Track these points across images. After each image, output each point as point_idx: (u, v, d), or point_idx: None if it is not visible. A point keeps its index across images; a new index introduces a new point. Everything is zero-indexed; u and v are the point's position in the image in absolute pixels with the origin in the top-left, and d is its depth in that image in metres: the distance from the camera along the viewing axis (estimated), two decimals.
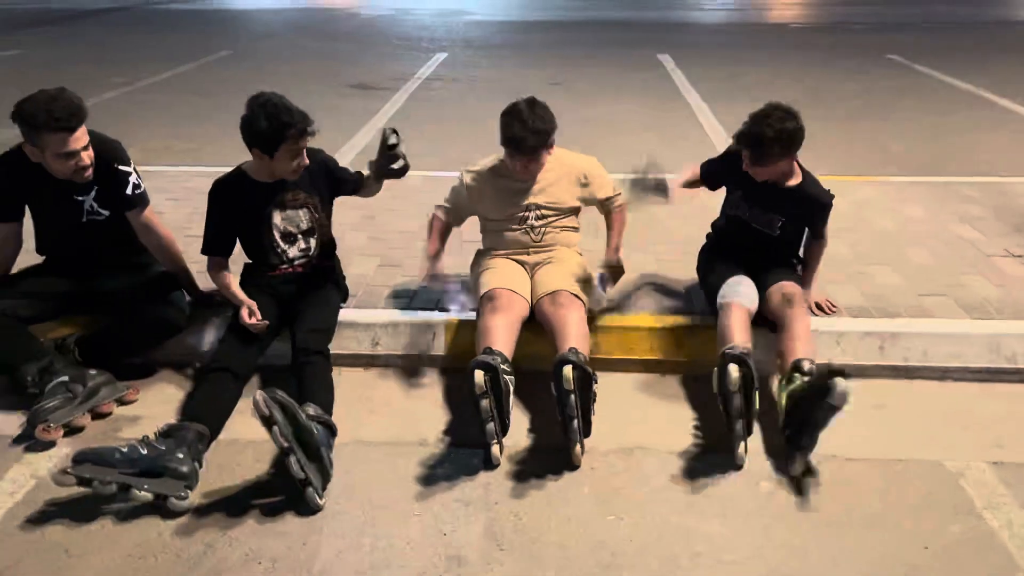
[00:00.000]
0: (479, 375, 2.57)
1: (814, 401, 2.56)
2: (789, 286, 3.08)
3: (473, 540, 2.38)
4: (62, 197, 3.07)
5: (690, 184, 3.44)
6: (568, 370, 2.57)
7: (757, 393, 2.71)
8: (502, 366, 2.67)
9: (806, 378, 2.68)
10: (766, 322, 3.10)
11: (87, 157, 2.95)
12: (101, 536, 2.39)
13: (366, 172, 3.28)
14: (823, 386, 2.52)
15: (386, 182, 3.30)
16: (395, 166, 3.15)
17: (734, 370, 2.62)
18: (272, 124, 2.84)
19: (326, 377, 2.88)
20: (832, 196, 3.25)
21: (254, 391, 2.42)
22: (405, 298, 3.56)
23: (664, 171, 3.27)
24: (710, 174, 3.42)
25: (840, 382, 2.47)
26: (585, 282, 3.16)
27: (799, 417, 2.63)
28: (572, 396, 2.59)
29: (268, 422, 2.41)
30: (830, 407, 2.50)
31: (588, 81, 9.30)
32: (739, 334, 2.87)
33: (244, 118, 2.89)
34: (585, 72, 9.92)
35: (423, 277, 3.38)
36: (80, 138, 2.90)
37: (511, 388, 2.72)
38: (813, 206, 3.22)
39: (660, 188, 3.24)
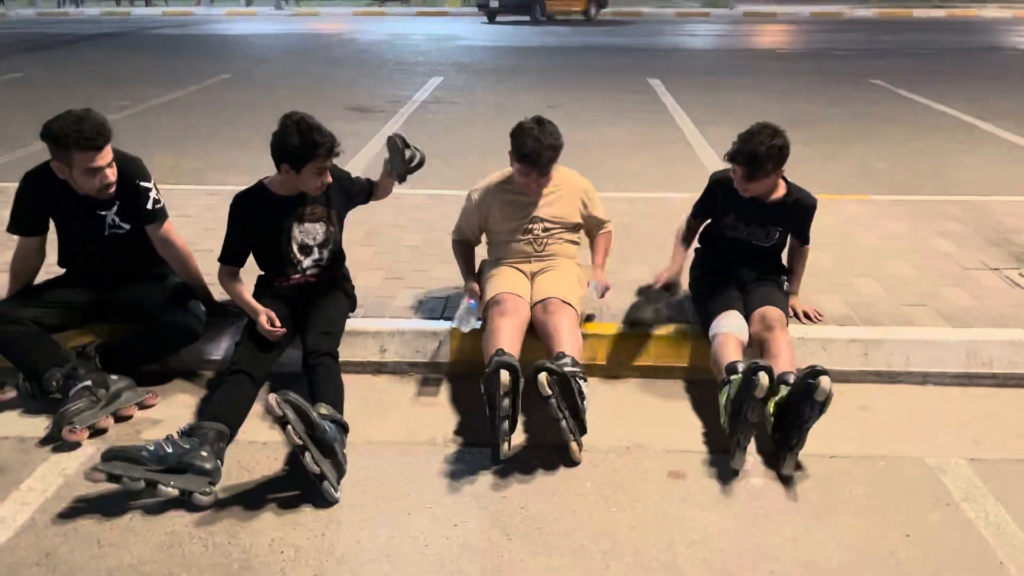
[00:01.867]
0: (505, 375, 2.71)
1: (801, 400, 2.73)
2: (771, 311, 3.23)
3: (483, 530, 2.52)
4: (86, 212, 3.22)
5: (691, 234, 3.67)
6: (543, 377, 2.73)
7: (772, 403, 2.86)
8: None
9: (787, 386, 2.84)
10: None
11: (111, 174, 3.11)
12: (130, 528, 2.53)
13: (376, 179, 3.51)
14: (809, 385, 2.68)
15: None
16: (414, 164, 3.39)
17: (764, 378, 2.70)
18: (304, 141, 3.01)
19: (336, 377, 3.02)
20: (815, 199, 3.44)
21: (267, 395, 2.57)
22: (411, 308, 3.72)
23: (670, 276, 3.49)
24: (703, 211, 3.60)
25: (825, 380, 2.64)
26: (579, 289, 3.35)
27: (788, 419, 2.80)
28: (552, 400, 2.75)
29: (282, 422, 2.57)
30: (816, 404, 2.67)
31: (582, 104, 9.55)
32: (732, 358, 3.03)
33: (276, 134, 3.06)
34: (578, 96, 10.18)
35: (465, 295, 3.44)
36: (106, 155, 3.06)
37: (521, 388, 2.86)
38: (801, 211, 3.41)
39: (670, 289, 3.48)
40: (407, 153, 3.34)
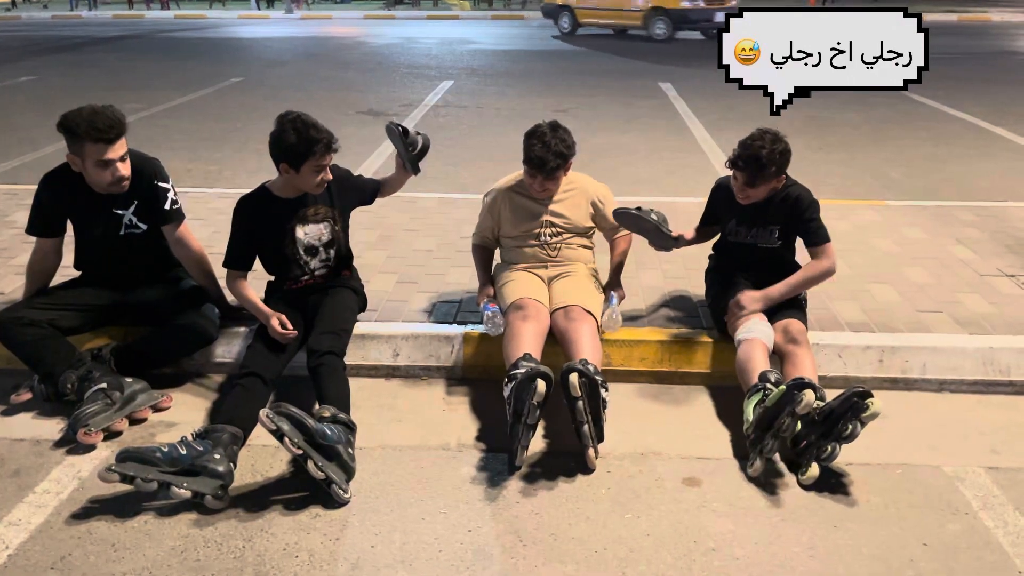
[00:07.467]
0: (541, 385, 2.69)
1: (844, 415, 2.72)
2: (794, 324, 3.19)
3: (497, 536, 2.51)
4: (103, 211, 3.24)
5: (699, 236, 3.65)
6: (574, 378, 2.73)
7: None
8: None
9: (820, 403, 2.81)
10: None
11: (123, 168, 3.11)
12: (144, 531, 2.53)
13: (384, 178, 3.54)
14: (856, 404, 2.68)
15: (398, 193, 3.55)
16: (418, 149, 3.37)
17: (810, 395, 2.67)
18: (301, 139, 3.02)
19: (338, 375, 2.99)
20: (812, 196, 3.32)
21: (275, 401, 2.57)
22: (424, 312, 3.71)
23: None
24: (709, 218, 3.61)
25: (875, 402, 2.66)
26: (598, 296, 3.32)
27: (824, 431, 2.77)
28: (580, 402, 2.74)
29: (277, 435, 2.58)
30: (861, 422, 2.68)
31: (593, 109, 9.54)
32: (762, 365, 3.01)
33: (273, 134, 3.07)
34: (589, 100, 10.17)
35: (480, 301, 3.45)
36: (117, 149, 3.07)
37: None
38: (797, 203, 3.27)
39: (661, 224, 3.36)
40: (408, 139, 3.33)
